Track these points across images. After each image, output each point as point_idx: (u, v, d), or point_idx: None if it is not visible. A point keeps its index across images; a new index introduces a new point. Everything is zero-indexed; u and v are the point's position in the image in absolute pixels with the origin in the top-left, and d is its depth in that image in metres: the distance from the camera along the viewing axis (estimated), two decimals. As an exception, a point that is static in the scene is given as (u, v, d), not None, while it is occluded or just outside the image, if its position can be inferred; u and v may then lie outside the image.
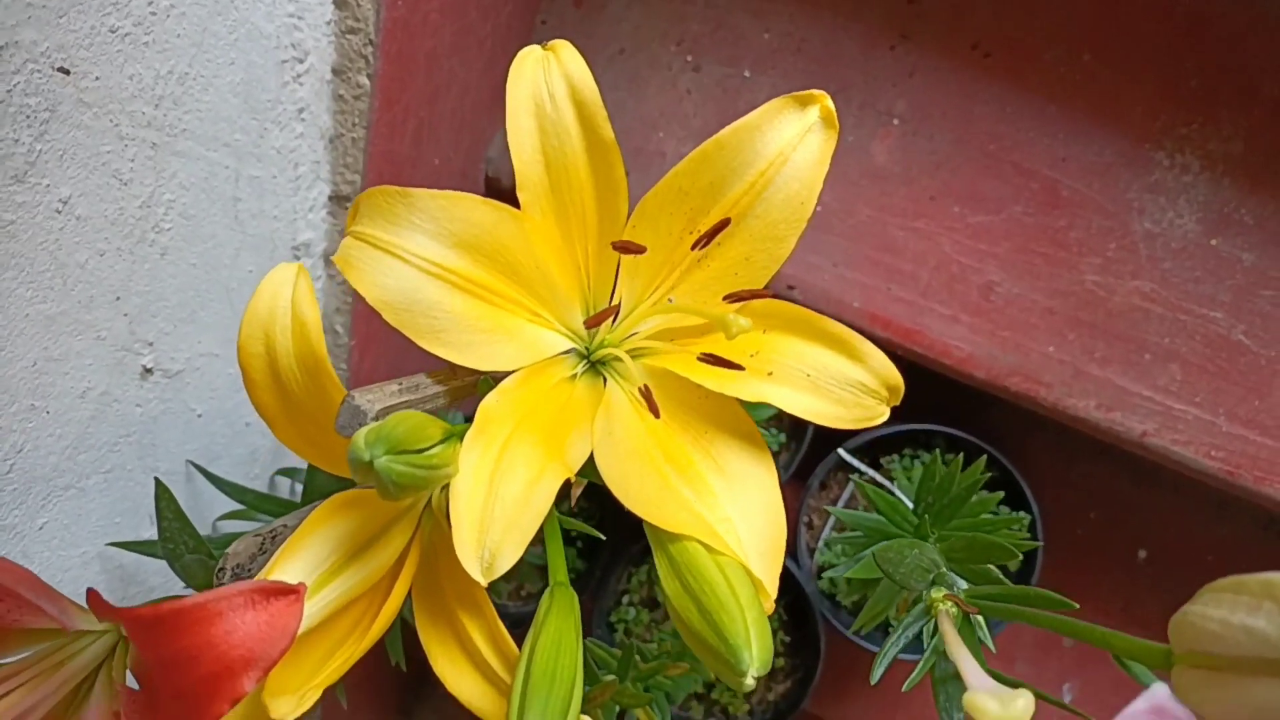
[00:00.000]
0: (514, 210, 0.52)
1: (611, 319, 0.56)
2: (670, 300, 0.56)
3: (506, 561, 0.46)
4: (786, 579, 1.22)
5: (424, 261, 0.50)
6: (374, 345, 1.01)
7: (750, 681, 0.42)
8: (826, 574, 1.25)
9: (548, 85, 0.52)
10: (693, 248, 0.53)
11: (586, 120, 0.52)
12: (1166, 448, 1.08)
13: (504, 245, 0.52)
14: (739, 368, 0.51)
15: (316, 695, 0.44)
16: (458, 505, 0.45)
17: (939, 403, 1.19)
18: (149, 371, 0.72)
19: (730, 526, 0.49)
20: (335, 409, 0.46)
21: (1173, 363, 1.09)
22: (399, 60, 0.87)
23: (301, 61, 0.78)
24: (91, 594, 0.44)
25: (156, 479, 0.63)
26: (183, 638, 0.38)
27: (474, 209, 0.51)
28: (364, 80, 0.84)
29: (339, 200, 0.91)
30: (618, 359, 0.55)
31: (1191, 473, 1.08)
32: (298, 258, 0.89)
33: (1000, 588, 0.55)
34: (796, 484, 1.29)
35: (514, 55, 0.52)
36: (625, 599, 1.31)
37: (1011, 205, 1.11)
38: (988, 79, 1.12)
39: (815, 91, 0.53)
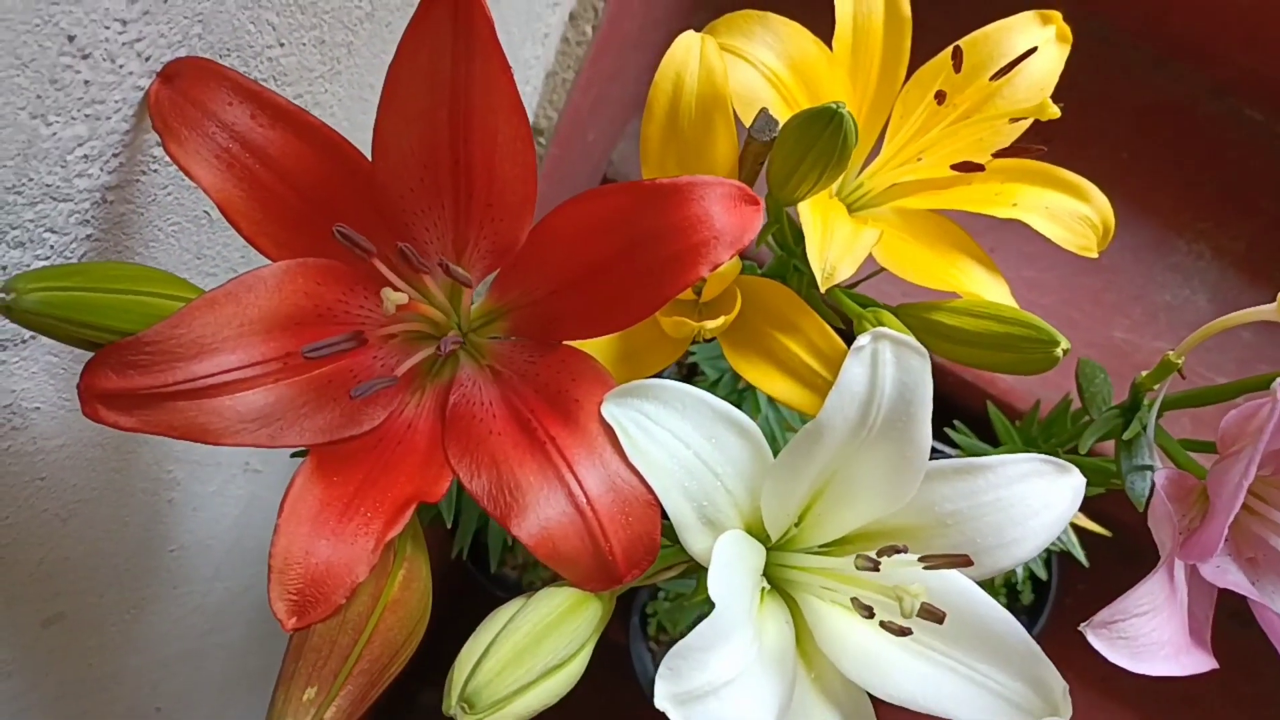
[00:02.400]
0: (829, 52, 0.67)
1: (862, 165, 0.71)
2: (920, 160, 0.71)
3: (841, 274, 0.58)
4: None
5: (766, 69, 0.64)
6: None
7: (1060, 353, 0.54)
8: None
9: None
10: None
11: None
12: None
13: (818, 75, 0.66)
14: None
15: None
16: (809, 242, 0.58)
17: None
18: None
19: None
20: (719, 141, 0.59)
21: (1184, 415, 1.26)
22: (611, 25, 1.02)
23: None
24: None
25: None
26: (670, 213, 0.49)
27: (809, 42, 0.66)
28: (588, 30, 1.00)
29: (535, 132, 1.04)
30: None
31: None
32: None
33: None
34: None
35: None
36: (661, 592, 1.38)
37: (1060, 266, 1.30)
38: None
39: (1053, 12, 0.71)
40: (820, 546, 0.58)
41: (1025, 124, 0.70)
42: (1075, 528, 0.92)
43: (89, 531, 0.65)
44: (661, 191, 0.49)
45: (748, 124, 0.62)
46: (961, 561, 0.51)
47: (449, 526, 0.67)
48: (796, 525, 0.57)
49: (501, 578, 1.43)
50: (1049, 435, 0.81)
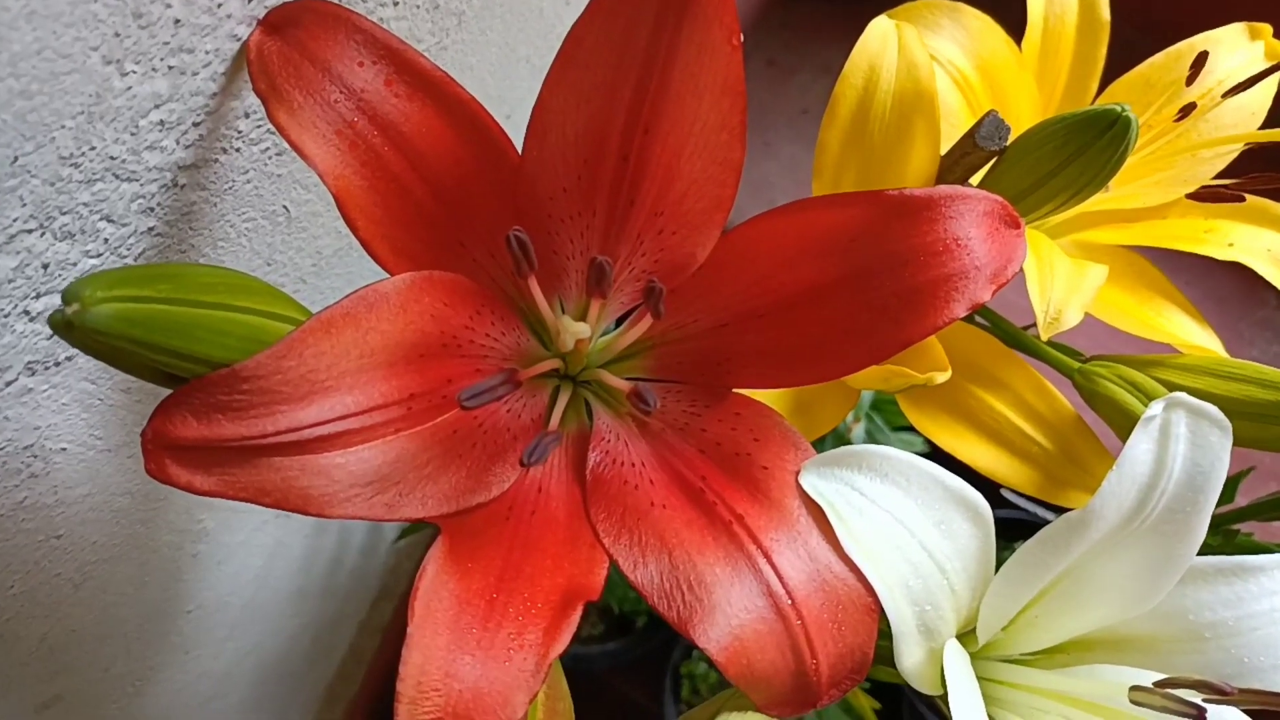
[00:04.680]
0: (1019, 52, 0.57)
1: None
2: (1107, 190, 0.60)
3: (1068, 320, 0.47)
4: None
5: (952, 67, 0.54)
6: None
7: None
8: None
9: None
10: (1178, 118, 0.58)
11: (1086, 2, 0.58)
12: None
13: (1005, 79, 0.56)
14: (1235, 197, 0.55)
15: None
16: (1030, 279, 0.47)
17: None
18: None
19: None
20: (916, 148, 0.48)
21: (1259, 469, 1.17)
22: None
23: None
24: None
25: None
26: (918, 233, 0.38)
27: (1000, 41, 0.55)
28: None
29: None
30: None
31: None
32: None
33: None
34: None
35: None
36: (696, 652, 1.26)
37: (1141, 313, 1.21)
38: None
39: (1263, 25, 0.61)
40: (1025, 654, 0.47)
41: (1228, 156, 0.60)
42: None
43: (102, 596, 0.52)
44: (910, 205, 0.38)
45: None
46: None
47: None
48: (1004, 628, 0.46)
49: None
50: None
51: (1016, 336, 0.54)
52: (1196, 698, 0.41)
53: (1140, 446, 0.39)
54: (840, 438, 0.87)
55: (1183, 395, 0.39)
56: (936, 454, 0.50)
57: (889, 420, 0.92)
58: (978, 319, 0.58)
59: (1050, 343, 0.54)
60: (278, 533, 0.71)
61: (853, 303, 0.39)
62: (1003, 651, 0.47)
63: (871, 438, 0.84)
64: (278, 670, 0.88)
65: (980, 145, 0.45)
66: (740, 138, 0.38)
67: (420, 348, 0.38)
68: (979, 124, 0.45)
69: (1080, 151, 0.43)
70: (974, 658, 0.46)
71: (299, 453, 0.34)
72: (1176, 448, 0.39)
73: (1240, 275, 1.23)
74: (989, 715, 0.47)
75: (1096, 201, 0.59)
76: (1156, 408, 0.39)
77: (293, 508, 0.34)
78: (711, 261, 0.42)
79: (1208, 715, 0.41)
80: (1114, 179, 0.59)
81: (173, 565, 0.58)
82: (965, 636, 0.45)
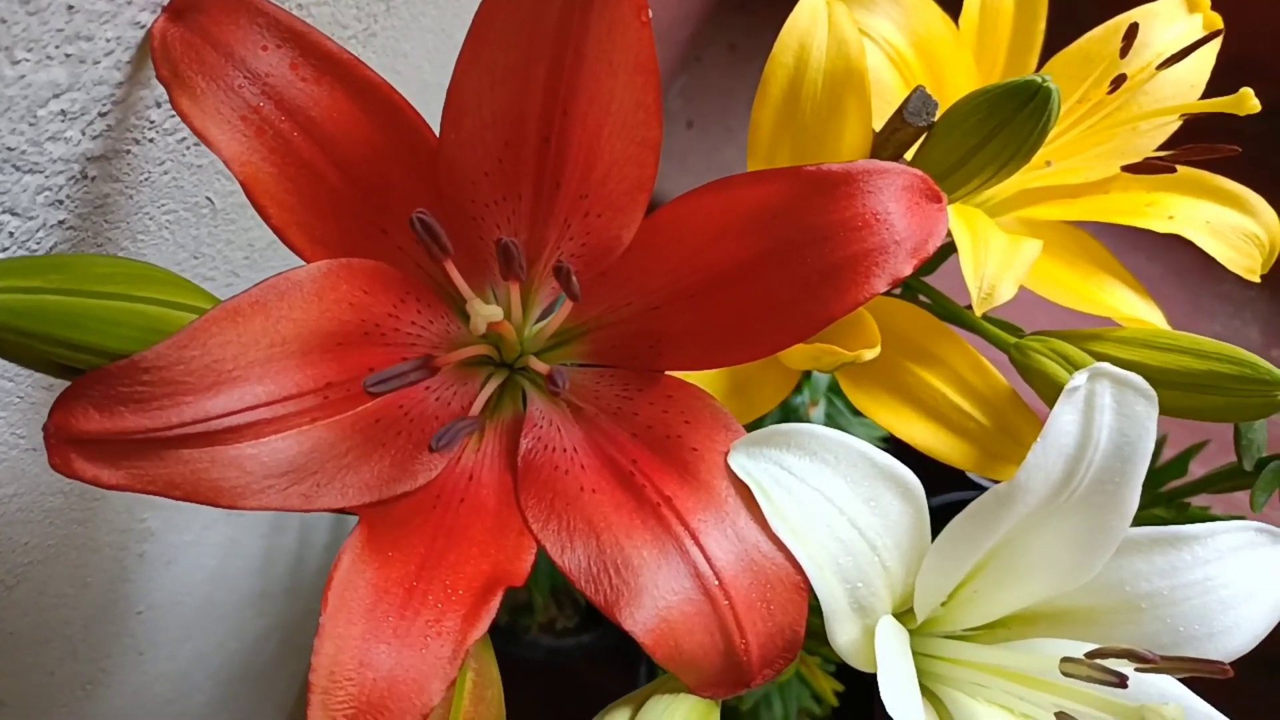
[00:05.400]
0: (955, 30, 0.57)
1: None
2: (1048, 165, 0.60)
3: (1001, 295, 0.47)
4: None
5: (887, 45, 0.53)
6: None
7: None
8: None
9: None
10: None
11: (1021, -23, 0.58)
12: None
13: (942, 57, 0.56)
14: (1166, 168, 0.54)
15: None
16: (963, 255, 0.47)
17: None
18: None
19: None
20: (848, 127, 0.48)
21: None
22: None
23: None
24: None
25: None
26: (838, 208, 0.37)
27: (936, 18, 0.55)
28: None
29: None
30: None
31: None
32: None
33: None
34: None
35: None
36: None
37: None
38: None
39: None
40: (967, 630, 0.47)
41: (1169, 128, 0.60)
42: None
43: (39, 599, 0.51)
44: (829, 180, 0.38)
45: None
46: (1218, 670, 0.40)
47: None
48: (943, 604, 0.46)
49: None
50: (1155, 485, 0.71)
51: (957, 314, 0.54)
52: (1128, 667, 0.41)
53: (1065, 418, 0.39)
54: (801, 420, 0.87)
55: (1106, 365, 0.39)
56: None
57: (850, 404, 0.92)
58: (921, 297, 0.58)
59: (992, 320, 0.54)
60: (230, 531, 0.71)
61: (778, 279, 0.39)
62: (943, 628, 0.47)
63: (831, 420, 0.84)
64: (245, 671, 0.88)
65: (908, 121, 0.45)
66: (657, 116, 0.38)
67: (338, 336, 0.37)
68: (907, 100, 0.45)
69: (1003, 124, 0.42)
70: (914, 634, 0.46)
71: (208, 444, 0.34)
72: (1102, 418, 0.39)
73: (1201, 251, 1.23)
74: (932, 691, 0.47)
75: (1040, 177, 0.59)
76: (1080, 378, 0.39)
77: (204, 500, 0.34)
78: (641, 243, 0.42)
79: (1143, 684, 0.41)
80: (1056, 153, 0.60)
81: (116, 565, 0.57)
82: (905, 615, 0.45)
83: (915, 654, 0.46)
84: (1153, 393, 0.39)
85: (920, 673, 0.46)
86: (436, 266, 0.41)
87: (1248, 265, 0.56)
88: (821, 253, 0.38)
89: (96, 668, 0.62)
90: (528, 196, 0.41)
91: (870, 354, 0.43)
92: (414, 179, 0.40)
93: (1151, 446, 0.40)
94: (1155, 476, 0.71)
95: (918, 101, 0.45)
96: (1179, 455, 0.69)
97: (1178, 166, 0.57)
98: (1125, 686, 0.39)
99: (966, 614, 0.46)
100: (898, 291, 0.57)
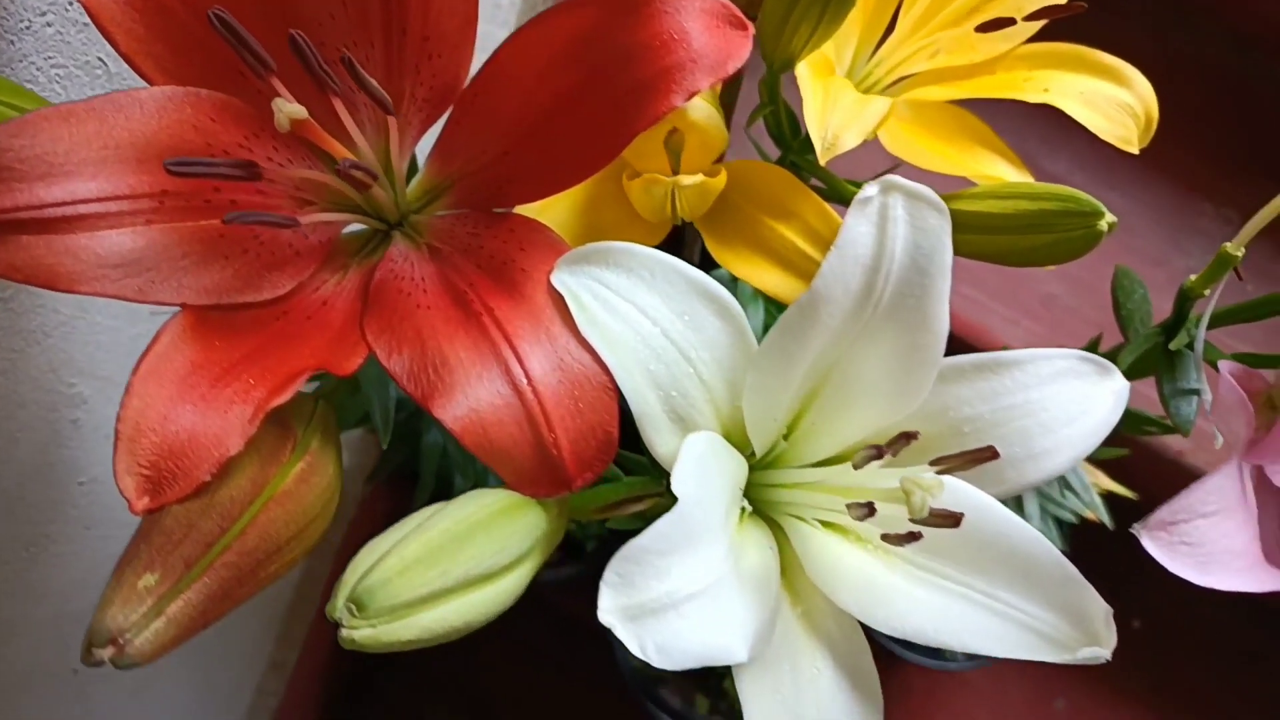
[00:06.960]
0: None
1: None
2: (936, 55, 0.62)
3: (845, 143, 0.49)
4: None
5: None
6: None
7: (1104, 226, 0.45)
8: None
9: None
10: None
11: None
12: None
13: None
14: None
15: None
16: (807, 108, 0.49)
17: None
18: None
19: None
20: None
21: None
22: None
23: None
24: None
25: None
26: (639, 29, 0.40)
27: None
28: None
29: None
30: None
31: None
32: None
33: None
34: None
35: None
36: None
37: (1075, 226, 1.21)
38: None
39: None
40: (813, 465, 0.49)
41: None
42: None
43: (-37, 445, 0.56)
44: (629, 4, 0.40)
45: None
46: (986, 455, 0.42)
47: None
48: (785, 439, 0.49)
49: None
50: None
51: (839, 188, 0.56)
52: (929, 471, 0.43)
53: (859, 228, 0.41)
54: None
55: (897, 178, 0.41)
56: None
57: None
58: (813, 181, 0.60)
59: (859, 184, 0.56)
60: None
61: (596, 103, 0.42)
62: (792, 462, 0.49)
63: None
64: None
65: None
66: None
67: (179, 153, 0.41)
68: (742, -50, 0.47)
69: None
70: (762, 468, 0.49)
71: (42, 231, 0.37)
72: (895, 229, 0.41)
73: (1176, 185, 1.23)
74: (776, 523, 0.49)
75: (933, 60, 0.61)
76: (872, 189, 0.41)
77: (42, 283, 0.38)
78: (484, 90, 0.45)
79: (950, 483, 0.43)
80: (946, 43, 0.61)
81: (47, 428, 0.62)
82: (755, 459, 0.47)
83: (761, 486, 0.49)
84: (944, 206, 0.41)
85: (767, 504, 0.49)
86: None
87: (1123, 135, 0.58)
88: (629, 71, 0.40)
89: (38, 531, 0.66)
90: (379, 44, 0.45)
91: (689, 180, 0.46)
92: (264, 19, 0.43)
93: (948, 260, 0.42)
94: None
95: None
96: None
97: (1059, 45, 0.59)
98: (879, 457, 0.42)
99: (810, 448, 0.49)
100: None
